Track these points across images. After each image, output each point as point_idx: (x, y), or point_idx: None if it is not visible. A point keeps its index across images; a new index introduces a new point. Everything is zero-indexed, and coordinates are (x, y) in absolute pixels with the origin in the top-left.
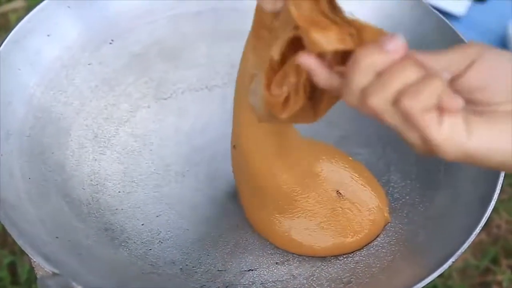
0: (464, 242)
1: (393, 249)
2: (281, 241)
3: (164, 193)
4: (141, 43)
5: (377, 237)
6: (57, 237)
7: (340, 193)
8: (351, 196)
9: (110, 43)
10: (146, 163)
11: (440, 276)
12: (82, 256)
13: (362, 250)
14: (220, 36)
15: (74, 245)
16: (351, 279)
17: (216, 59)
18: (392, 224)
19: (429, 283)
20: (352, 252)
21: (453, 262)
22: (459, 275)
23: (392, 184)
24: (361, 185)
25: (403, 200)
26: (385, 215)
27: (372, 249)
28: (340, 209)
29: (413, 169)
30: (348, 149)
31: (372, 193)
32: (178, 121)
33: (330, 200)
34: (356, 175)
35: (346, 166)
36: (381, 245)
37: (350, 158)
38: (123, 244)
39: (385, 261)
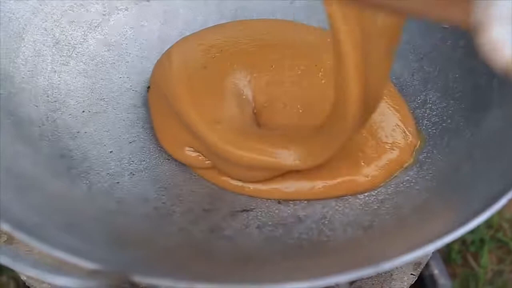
0: None
1: (429, 185)
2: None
3: (141, 114)
4: None
5: (404, 168)
6: None
7: None
8: None
9: None
10: (121, 77)
11: (489, 227)
12: (23, 188)
13: (387, 186)
14: None
15: (14, 174)
16: (373, 223)
17: None
18: (428, 154)
19: (476, 233)
20: (373, 189)
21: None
22: (511, 226)
23: (429, 105)
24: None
25: (443, 124)
26: (409, 137)
27: (401, 185)
28: None
29: (457, 86)
30: None
31: (390, 109)
32: (163, 28)
33: None
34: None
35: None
36: (413, 180)
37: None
38: (82, 175)
39: (417, 200)
